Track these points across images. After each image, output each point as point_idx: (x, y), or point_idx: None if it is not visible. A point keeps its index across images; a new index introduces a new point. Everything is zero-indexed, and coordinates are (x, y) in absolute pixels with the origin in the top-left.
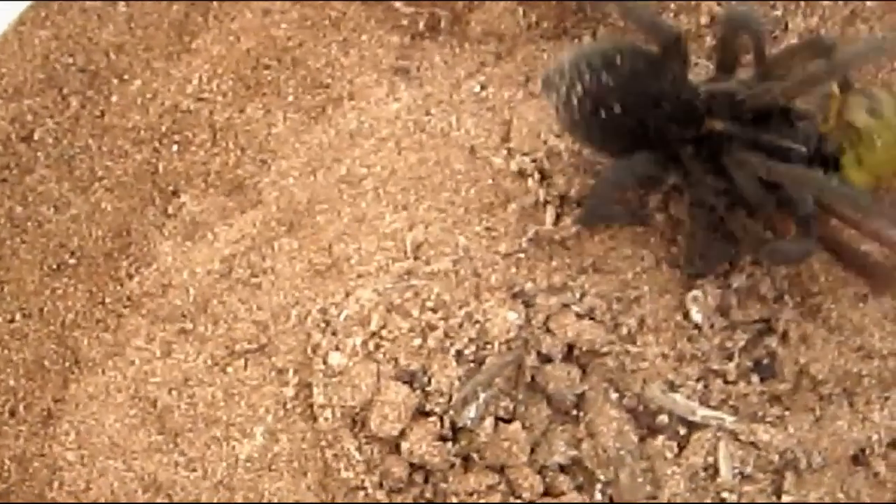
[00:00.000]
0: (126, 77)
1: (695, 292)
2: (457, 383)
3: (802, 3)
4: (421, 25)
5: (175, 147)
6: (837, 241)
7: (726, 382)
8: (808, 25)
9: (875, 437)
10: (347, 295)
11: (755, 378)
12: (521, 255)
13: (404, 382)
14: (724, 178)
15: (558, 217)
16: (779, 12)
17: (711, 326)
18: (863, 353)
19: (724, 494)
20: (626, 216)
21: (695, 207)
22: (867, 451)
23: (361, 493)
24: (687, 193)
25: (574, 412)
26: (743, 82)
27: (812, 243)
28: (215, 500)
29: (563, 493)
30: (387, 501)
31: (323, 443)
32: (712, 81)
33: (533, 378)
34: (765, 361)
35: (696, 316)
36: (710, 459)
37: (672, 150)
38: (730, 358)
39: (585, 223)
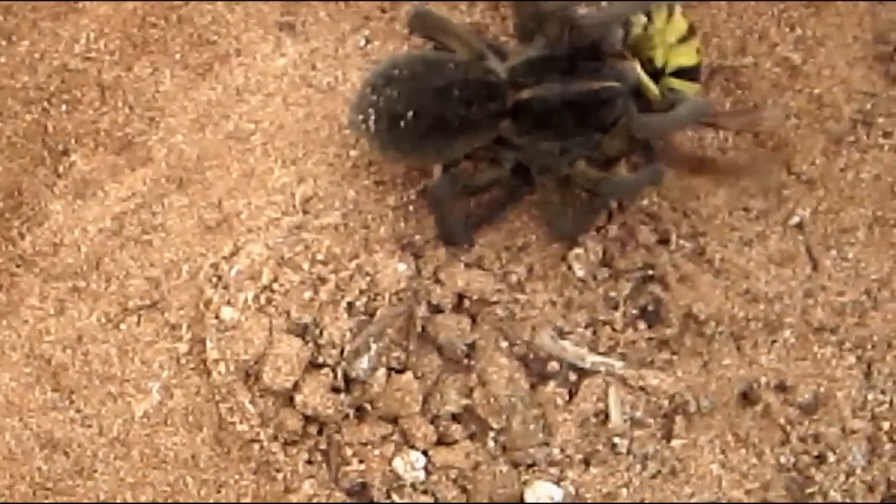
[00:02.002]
0: (14, 38)
1: (576, 249)
2: (349, 335)
3: None
4: None
5: (64, 107)
6: (682, 154)
7: (614, 330)
8: None
9: (763, 379)
10: (238, 250)
11: (642, 324)
12: (410, 208)
13: (297, 335)
14: (554, 137)
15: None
16: None
17: (595, 278)
18: (749, 297)
19: (616, 440)
20: (477, 222)
21: (540, 176)
22: (755, 391)
23: (256, 446)
24: (532, 166)
25: (465, 361)
26: (544, 44)
27: (657, 167)
28: (112, 457)
29: (456, 442)
30: (282, 453)
31: (217, 397)
32: (516, 55)
33: (424, 328)
34: (650, 308)
35: (580, 271)
36: (601, 405)
37: (488, 131)
38: (615, 307)
39: (449, 245)
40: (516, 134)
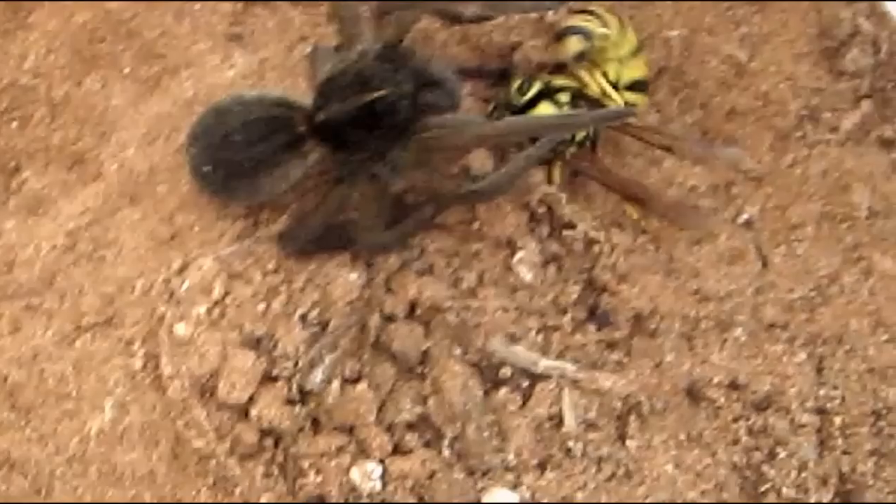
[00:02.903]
0: None
1: (519, 254)
2: (302, 347)
3: None
4: None
5: (14, 124)
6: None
7: (564, 333)
8: None
9: (716, 378)
10: (189, 264)
11: (592, 327)
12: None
13: (250, 349)
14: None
15: None
16: None
17: (542, 282)
18: (699, 296)
19: (570, 443)
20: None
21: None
22: (706, 390)
23: (213, 461)
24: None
25: (419, 369)
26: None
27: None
28: (69, 475)
29: (411, 451)
30: (238, 467)
31: (173, 413)
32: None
33: (377, 338)
34: (599, 311)
35: (526, 276)
36: (555, 409)
37: (296, 159)
38: (564, 311)
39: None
40: (327, 154)
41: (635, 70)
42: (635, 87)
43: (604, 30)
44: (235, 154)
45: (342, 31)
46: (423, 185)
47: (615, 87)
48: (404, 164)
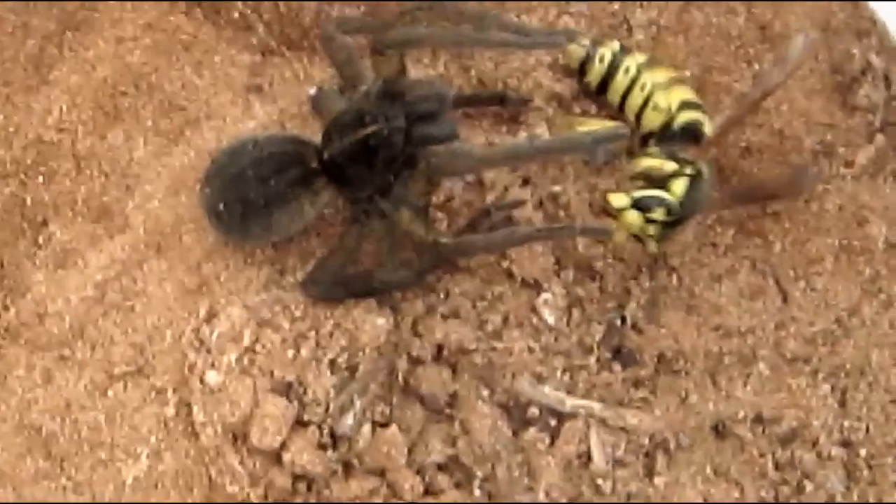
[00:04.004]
0: None
1: (544, 295)
2: (332, 392)
3: None
4: (272, 43)
5: (41, 178)
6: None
7: (590, 373)
8: (649, 17)
9: (740, 412)
10: (218, 312)
11: (617, 366)
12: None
13: (281, 395)
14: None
15: None
16: (616, 6)
17: (568, 323)
18: (722, 332)
19: (599, 481)
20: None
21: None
22: (732, 425)
23: None
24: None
25: (448, 411)
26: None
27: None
28: None
29: (442, 492)
30: None
31: (206, 459)
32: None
33: (406, 381)
34: (624, 349)
35: (550, 318)
36: (583, 447)
37: (308, 196)
38: (590, 351)
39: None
40: (335, 190)
41: (682, 93)
42: (690, 106)
43: (606, 49)
44: (249, 191)
45: (341, 73)
46: (405, 225)
47: (670, 112)
48: (412, 196)
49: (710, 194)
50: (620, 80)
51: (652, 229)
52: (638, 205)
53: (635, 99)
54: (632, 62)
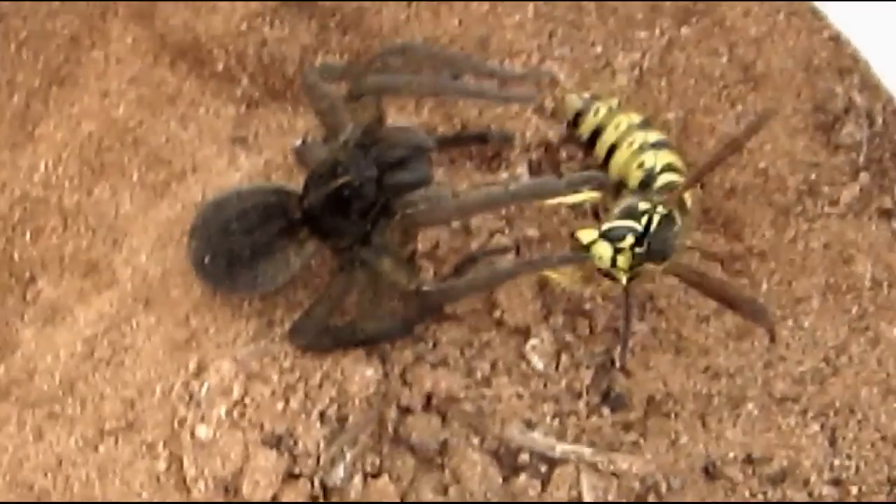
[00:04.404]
0: None
1: (532, 341)
2: (323, 444)
3: (621, 40)
4: (256, 94)
5: (28, 235)
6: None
7: (580, 418)
8: (632, 60)
9: (730, 453)
10: (207, 366)
11: (606, 410)
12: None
13: (271, 447)
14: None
15: None
16: (598, 49)
17: (557, 369)
18: (710, 373)
19: None
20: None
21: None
22: (722, 466)
23: None
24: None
25: (438, 460)
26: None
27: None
28: None
29: None
30: None
31: None
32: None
33: (396, 431)
34: (613, 394)
35: (538, 364)
36: (574, 493)
37: (292, 246)
38: (579, 396)
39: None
40: (319, 240)
41: (669, 156)
42: (672, 169)
43: (603, 104)
44: (234, 243)
45: (323, 122)
46: (387, 274)
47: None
48: (391, 245)
49: (682, 242)
50: (610, 134)
51: (621, 260)
52: (607, 236)
53: (622, 155)
54: (624, 120)
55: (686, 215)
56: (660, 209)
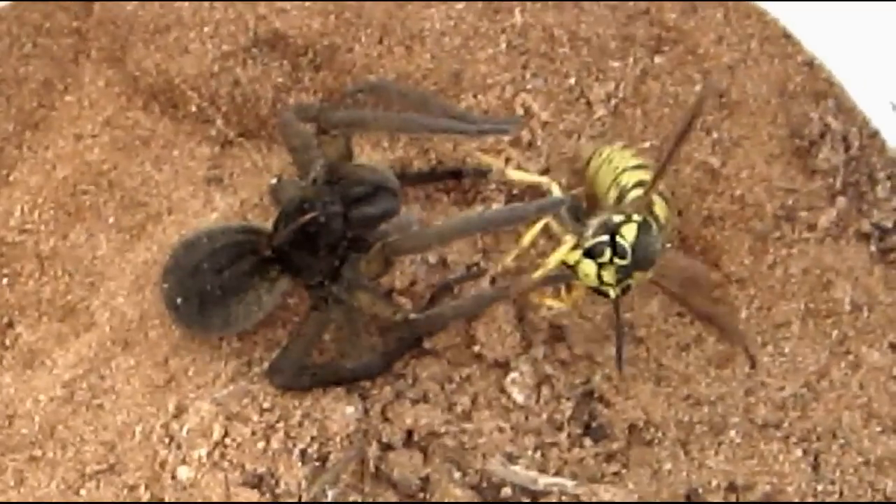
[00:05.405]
0: None
1: (512, 375)
2: (304, 483)
3: (595, 70)
4: (230, 134)
5: (5, 280)
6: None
7: (561, 450)
8: (607, 90)
9: (713, 481)
10: (187, 407)
11: (588, 441)
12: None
13: (253, 487)
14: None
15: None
16: (572, 80)
17: (537, 401)
18: (692, 401)
19: None
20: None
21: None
22: (703, 494)
23: None
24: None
25: (421, 495)
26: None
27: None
28: None
29: None
30: None
31: None
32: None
33: (377, 468)
34: (594, 424)
35: (519, 397)
36: None
37: (263, 283)
38: (560, 428)
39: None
40: (288, 277)
41: (642, 174)
42: (641, 184)
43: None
44: (206, 283)
45: (296, 160)
46: (367, 308)
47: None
48: (365, 279)
49: (661, 247)
50: (596, 162)
51: (608, 275)
52: (589, 253)
53: (603, 176)
54: (617, 155)
55: (658, 222)
56: (635, 217)
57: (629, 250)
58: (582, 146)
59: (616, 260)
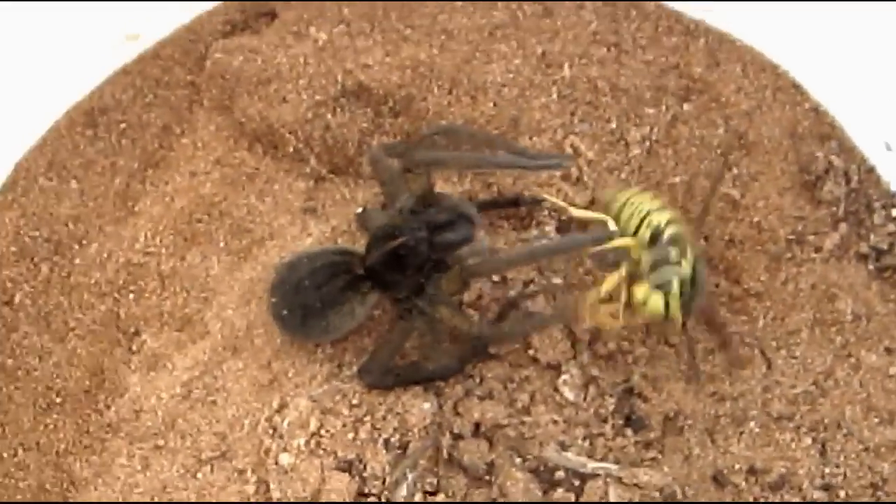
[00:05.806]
0: (84, 242)
1: (563, 376)
2: (388, 467)
3: (633, 116)
4: (322, 171)
5: (132, 295)
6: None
7: (607, 439)
8: (642, 133)
9: (736, 465)
10: (288, 403)
11: (629, 431)
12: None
13: (344, 471)
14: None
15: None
16: (613, 125)
17: (585, 398)
18: (717, 397)
19: None
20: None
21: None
22: (729, 476)
23: None
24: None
25: (487, 478)
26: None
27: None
28: None
29: None
30: None
31: None
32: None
33: (450, 455)
34: (634, 417)
35: (569, 395)
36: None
37: (358, 298)
38: (605, 420)
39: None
40: (380, 293)
41: (671, 214)
42: (671, 222)
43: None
44: (307, 298)
45: (384, 191)
46: (447, 320)
47: (658, 228)
48: (445, 294)
49: (707, 279)
50: (617, 204)
51: (673, 307)
52: (658, 288)
53: (628, 217)
54: (639, 198)
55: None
56: (690, 253)
57: (690, 283)
58: (605, 191)
59: (683, 290)
